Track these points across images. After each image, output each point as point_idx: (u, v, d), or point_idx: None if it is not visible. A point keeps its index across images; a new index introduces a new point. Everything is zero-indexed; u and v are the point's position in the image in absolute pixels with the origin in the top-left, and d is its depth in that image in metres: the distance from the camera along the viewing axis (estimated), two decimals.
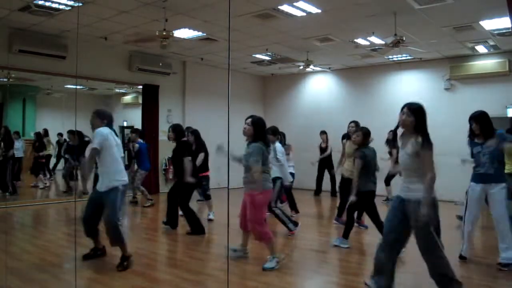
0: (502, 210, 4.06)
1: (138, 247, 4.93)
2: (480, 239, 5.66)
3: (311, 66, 9.63)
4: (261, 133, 4.14)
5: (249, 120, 4.15)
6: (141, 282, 3.71)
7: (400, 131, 3.27)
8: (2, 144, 8.02)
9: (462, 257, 4.34)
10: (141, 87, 9.57)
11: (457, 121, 8.45)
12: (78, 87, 9.36)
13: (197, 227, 5.58)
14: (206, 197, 6.84)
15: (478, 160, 4.13)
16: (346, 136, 6.43)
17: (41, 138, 9.24)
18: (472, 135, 4.23)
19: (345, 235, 4.92)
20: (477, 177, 4.17)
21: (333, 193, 9.62)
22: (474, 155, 4.18)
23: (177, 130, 5.80)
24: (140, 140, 7.84)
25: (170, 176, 9.81)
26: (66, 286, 3.61)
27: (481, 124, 4.10)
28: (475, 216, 4.25)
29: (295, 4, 6.03)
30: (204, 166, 6.61)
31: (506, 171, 6.34)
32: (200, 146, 6.56)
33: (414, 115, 3.05)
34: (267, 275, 3.92)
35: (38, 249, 4.77)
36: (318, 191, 9.89)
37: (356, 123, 6.05)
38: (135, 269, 4.05)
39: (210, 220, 6.63)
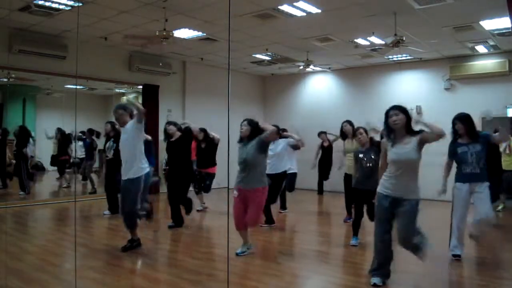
0: (487, 208, 4.16)
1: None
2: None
3: (311, 66, 9.63)
4: (257, 132, 4.44)
5: (245, 122, 4.50)
6: (141, 282, 3.72)
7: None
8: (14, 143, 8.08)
9: (456, 256, 4.32)
10: (141, 87, 9.57)
11: None
12: (78, 87, 9.34)
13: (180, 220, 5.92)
14: (204, 189, 7.17)
15: (465, 160, 4.23)
16: (343, 135, 6.47)
17: (65, 137, 9.26)
18: (455, 136, 4.36)
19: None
20: (463, 177, 4.25)
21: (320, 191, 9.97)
22: (459, 154, 4.28)
23: (177, 125, 5.98)
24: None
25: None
26: (66, 286, 3.61)
27: (466, 125, 4.26)
28: (463, 214, 4.29)
29: (295, 4, 6.03)
30: (211, 161, 7.03)
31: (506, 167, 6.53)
32: (208, 139, 6.99)
33: (405, 114, 3.38)
34: (267, 275, 3.92)
35: (38, 249, 4.77)
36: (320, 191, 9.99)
37: (349, 122, 6.33)
38: (135, 269, 4.05)
39: (198, 210, 7.16)
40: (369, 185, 4.58)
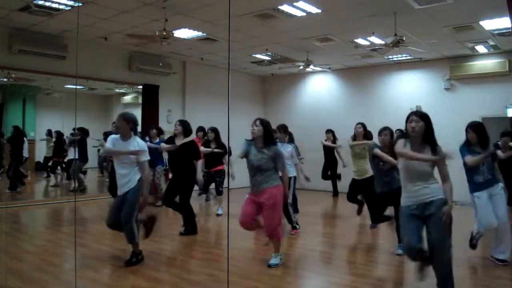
0: (504, 209, 4.19)
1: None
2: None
3: (311, 66, 9.62)
4: (271, 135, 4.23)
5: (258, 121, 4.17)
6: (141, 282, 3.71)
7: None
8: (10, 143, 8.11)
9: (473, 245, 4.37)
10: (141, 87, 9.57)
11: (457, 121, 8.43)
12: (78, 87, 9.35)
13: (192, 227, 5.53)
14: (218, 192, 7.02)
15: (477, 169, 4.19)
16: (353, 138, 6.32)
17: (61, 137, 9.23)
18: (467, 143, 4.26)
19: None
20: (480, 186, 4.21)
21: (335, 193, 9.68)
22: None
23: (185, 126, 5.60)
24: (158, 139, 7.67)
25: (170, 176, 9.78)
26: (66, 286, 3.61)
27: (479, 134, 4.16)
28: (491, 220, 4.16)
29: (295, 4, 6.03)
30: (219, 160, 6.90)
31: None
32: (219, 143, 6.84)
33: (424, 121, 3.13)
34: (267, 275, 3.92)
35: (38, 249, 4.77)
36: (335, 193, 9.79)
37: (362, 124, 5.98)
38: (135, 269, 4.05)
39: (218, 215, 6.88)
40: (388, 187, 4.53)
